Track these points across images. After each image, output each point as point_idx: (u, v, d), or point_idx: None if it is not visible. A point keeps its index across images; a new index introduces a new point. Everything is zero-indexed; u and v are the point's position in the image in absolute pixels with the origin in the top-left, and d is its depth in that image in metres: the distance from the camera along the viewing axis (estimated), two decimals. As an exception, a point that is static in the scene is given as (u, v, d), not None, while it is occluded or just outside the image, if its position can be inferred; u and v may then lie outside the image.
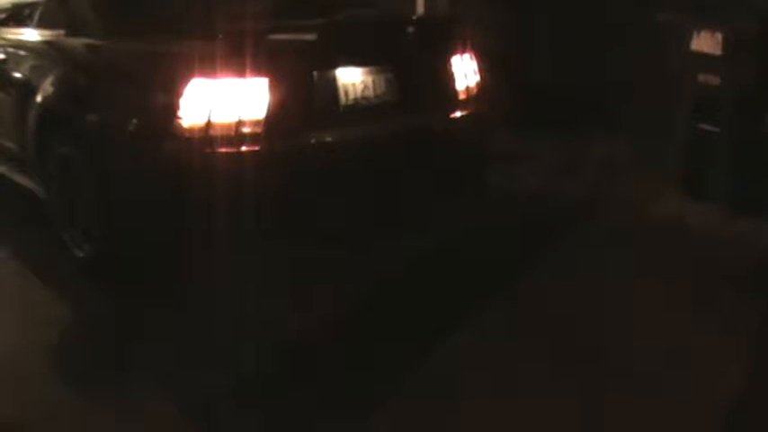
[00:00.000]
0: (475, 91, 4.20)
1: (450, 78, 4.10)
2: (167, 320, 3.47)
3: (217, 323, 3.39)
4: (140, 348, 3.27)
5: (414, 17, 5.77)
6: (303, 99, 3.60)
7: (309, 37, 3.74)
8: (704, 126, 4.75)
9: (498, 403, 2.89)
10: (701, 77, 4.73)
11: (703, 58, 4.69)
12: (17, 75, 4.31)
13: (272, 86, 3.44)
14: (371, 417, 2.81)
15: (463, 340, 3.31)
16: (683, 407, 2.85)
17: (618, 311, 3.55)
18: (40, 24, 4.35)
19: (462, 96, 4.14)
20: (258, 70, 3.39)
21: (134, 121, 3.58)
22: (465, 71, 4.15)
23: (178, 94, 3.34)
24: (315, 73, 3.65)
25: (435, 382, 3.03)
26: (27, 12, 4.58)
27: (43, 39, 4.28)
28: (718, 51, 4.63)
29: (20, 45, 4.44)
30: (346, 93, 3.71)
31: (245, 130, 3.39)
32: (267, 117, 3.43)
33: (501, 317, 3.52)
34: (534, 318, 3.52)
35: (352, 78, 3.74)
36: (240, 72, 3.36)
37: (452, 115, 4.12)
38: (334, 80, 3.69)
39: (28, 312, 3.57)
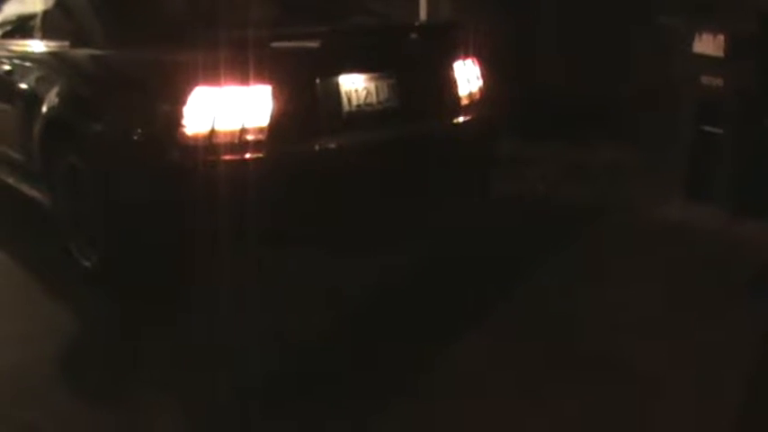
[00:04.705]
0: (478, 96, 4.21)
1: (453, 84, 4.11)
2: (173, 327, 3.49)
3: (222, 329, 3.40)
4: (147, 354, 3.29)
5: (416, 23, 5.79)
6: (306, 106, 3.62)
7: (312, 44, 3.76)
8: (707, 128, 4.75)
9: (501, 404, 2.90)
10: (704, 79, 4.73)
11: (706, 60, 4.69)
12: (23, 86, 4.34)
13: (276, 94, 3.46)
14: (376, 417, 2.83)
15: (467, 342, 3.33)
16: (686, 409, 2.85)
17: (621, 314, 3.55)
18: (45, 36, 4.38)
19: (465, 102, 4.15)
20: (261, 78, 3.42)
21: (138, 129, 3.61)
22: (468, 76, 4.16)
23: (182, 103, 3.37)
24: (318, 80, 3.67)
25: (438, 382, 3.05)
26: (32, 23, 4.61)
27: (48, 50, 4.31)
28: (720, 53, 4.63)
29: (25, 56, 4.47)
30: (349, 99, 3.73)
31: (249, 137, 3.42)
32: (270, 124, 3.45)
33: (505, 319, 3.54)
34: (537, 320, 3.53)
35: (355, 85, 3.75)
36: (243, 80, 3.38)
37: (455, 121, 4.12)
38: (337, 87, 3.71)
39: (35, 321, 3.59)
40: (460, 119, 4.13)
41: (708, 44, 4.65)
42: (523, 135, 5.73)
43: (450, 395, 2.97)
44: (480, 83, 4.23)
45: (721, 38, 4.59)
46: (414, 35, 4.37)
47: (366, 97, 3.78)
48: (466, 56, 4.18)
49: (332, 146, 3.69)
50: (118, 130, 3.68)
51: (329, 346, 3.36)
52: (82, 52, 4.10)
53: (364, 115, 3.78)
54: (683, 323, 3.46)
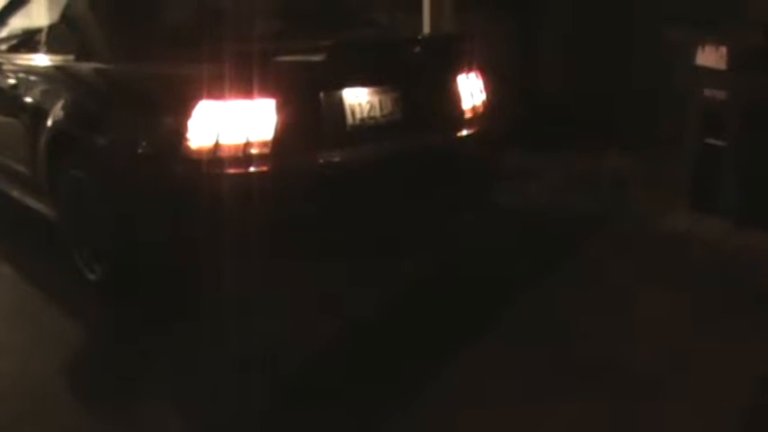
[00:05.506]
0: (481, 109, 4.22)
1: (456, 96, 4.12)
2: (176, 338, 3.50)
3: (227, 338, 3.41)
4: (149, 364, 3.31)
5: (419, 36, 5.81)
6: (310, 119, 3.64)
7: (316, 58, 3.78)
8: (711, 140, 4.75)
9: (505, 410, 2.91)
10: (707, 92, 4.73)
11: (709, 72, 4.70)
12: (28, 99, 4.36)
13: (280, 107, 3.47)
14: (379, 424, 2.86)
15: (471, 349, 3.34)
16: (690, 416, 2.86)
17: (627, 322, 3.58)
18: (51, 50, 4.40)
19: (469, 114, 4.16)
20: (265, 92, 3.43)
21: (143, 143, 3.62)
22: (471, 89, 4.18)
23: (187, 117, 3.38)
24: (322, 93, 3.69)
25: (441, 390, 3.06)
26: (37, 37, 4.63)
27: (53, 64, 4.33)
28: (723, 66, 4.64)
29: (30, 70, 4.50)
30: (353, 113, 3.74)
31: (254, 151, 3.43)
32: (275, 138, 3.46)
33: (509, 326, 3.55)
34: (542, 327, 3.55)
35: (358, 98, 3.76)
36: (248, 94, 3.40)
37: (459, 134, 4.14)
38: (340, 100, 3.72)
39: (39, 333, 3.61)
40: (464, 132, 4.15)
41: (710, 56, 4.66)
42: (527, 145, 5.74)
43: (454, 402, 2.98)
44: (484, 95, 4.25)
45: (724, 50, 4.60)
46: (417, 48, 4.39)
47: (370, 110, 3.80)
48: (469, 68, 4.19)
49: (336, 159, 3.70)
50: (122, 144, 3.70)
51: (331, 356, 3.37)
52: (87, 66, 4.12)
53: (368, 128, 3.79)
54: (687, 331, 3.47)
